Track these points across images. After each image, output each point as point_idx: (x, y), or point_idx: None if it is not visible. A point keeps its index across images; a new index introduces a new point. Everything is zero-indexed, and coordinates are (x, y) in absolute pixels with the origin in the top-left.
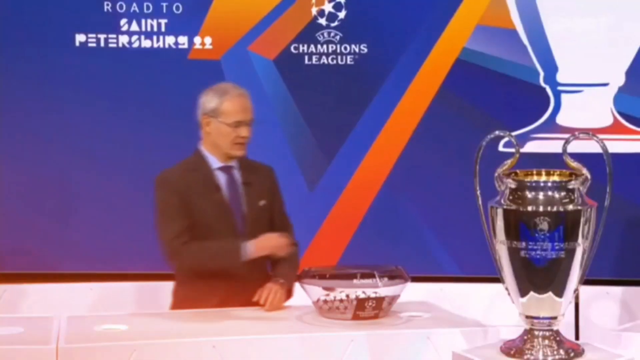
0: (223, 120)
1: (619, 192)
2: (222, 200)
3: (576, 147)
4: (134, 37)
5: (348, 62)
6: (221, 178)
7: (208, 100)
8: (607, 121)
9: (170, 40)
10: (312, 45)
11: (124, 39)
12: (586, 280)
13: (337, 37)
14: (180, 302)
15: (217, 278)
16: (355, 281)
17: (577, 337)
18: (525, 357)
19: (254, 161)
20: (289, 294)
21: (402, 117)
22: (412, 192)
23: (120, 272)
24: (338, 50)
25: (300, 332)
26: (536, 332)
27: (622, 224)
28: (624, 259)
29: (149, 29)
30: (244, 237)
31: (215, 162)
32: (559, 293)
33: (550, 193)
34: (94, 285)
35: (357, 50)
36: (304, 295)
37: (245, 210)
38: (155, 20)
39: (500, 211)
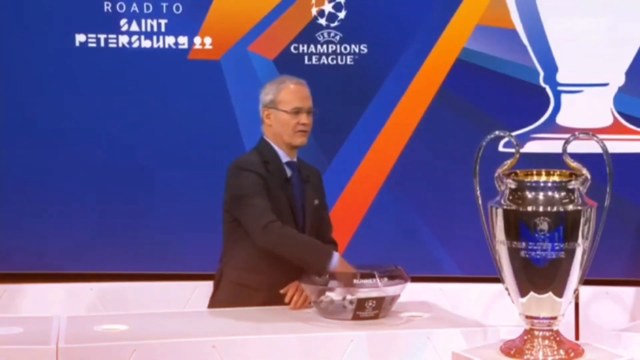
0: (282, 109)
1: (618, 192)
2: (292, 195)
3: (576, 147)
4: (134, 37)
5: (348, 62)
6: (290, 172)
7: (266, 93)
8: (607, 121)
9: (170, 40)
10: (312, 46)
11: (124, 39)
12: (586, 280)
13: (337, 37)
14: (234, 289)
15: (260, 286)
16: (355, 281)
17: (577, 337)
18: (525, 357)
19: (305, 162)
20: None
21: (402, 117)
22: (412, 192)
23: (120, 272)
24: (338, 51)
25: (300, 332)
26: (536, 332)
27: (622, 224)
28: (624, 259)
29: (149, 29)
30: (303, 231)
31: (283, 156)
32: (559, 293)
33: (550, 193)
34: (94, 285)
35: (357, 50)
36: None
37: (305, 207)
38: (155, 21)
39: (500, 211)
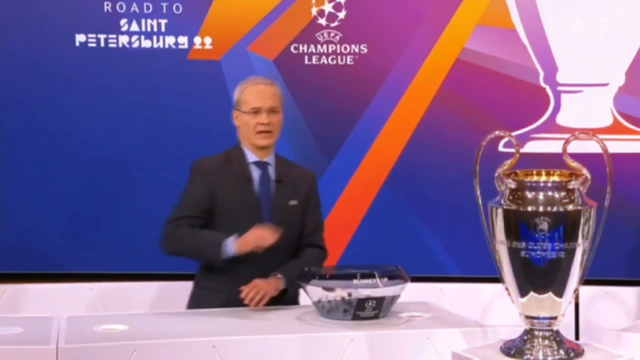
0: (243, 110)
1: (619, 192)
2: (251, 194)
3: (576, 147)
4: (134, 37)
5: (348, 62)
6: (255, 172)
7: (234, 95)
8: (607, 121)
9: (170, 40)
10: (312, 46)
11: (124, 39)
12: (586, 280)
13: (337, 37)
14: (199, 293)
15: (219, 287)
16: (355, 281)
17: (577, 337)
18: (525, 357)
19: (295, 163)
20: (283, 291)
21: (402, 117)
22: (412, 192)
23: (120, 272)
24: (338, 51)
25: (300, 332)
26: (536, 332)
27: (622, 224)
28: (624, 259)
29: (149, 29)
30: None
31: (251, 156)
32: (559, 293)
33: (550, 193)
34: (94, 285)
35: (357, 50)
36: (304, 295)
37: (273, 206)
38: (155, 21)
39: (500, 211)
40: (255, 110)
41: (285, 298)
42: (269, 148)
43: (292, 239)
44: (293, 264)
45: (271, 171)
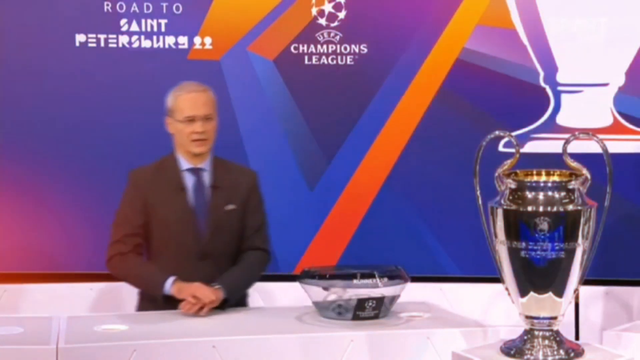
0: (177, 118)
1: (619, 192)
2: (185, 202)
3: (576, 147)
4: (134, 37)
5: (348, 62)
6: (189, 180)
7: (167, 102)
8: (607, 121)
9: (170, 40)
10: (312, 46)
11: (124, 39)
12: (586, 280)
13: (337, 37)
14: (143, 305)
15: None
16: (355, 281)
17: (577, 337)
18: (525, 357)
19: (236, 165)
20: (226, 301)
21: (402, 117)
22: (412, 192)
23: None
24: (338, 51)
25: (300, 332)
26: (536, 332)
27: (622, 224)
28: (624, 259)
29: (149, 29)
30: (204, 238)
31: (185, 163)
32: (559, 293)
33: (550, 193)
34: (93, 285)
35: (357, 50)
36: (304, 295)
37: (209, 213)
38: (155, 21)
39: (500, 211)
40: (190, 119)
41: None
42: (204, 155)
43: (232, 244)
44: (232, 272)
45: (206, 177)
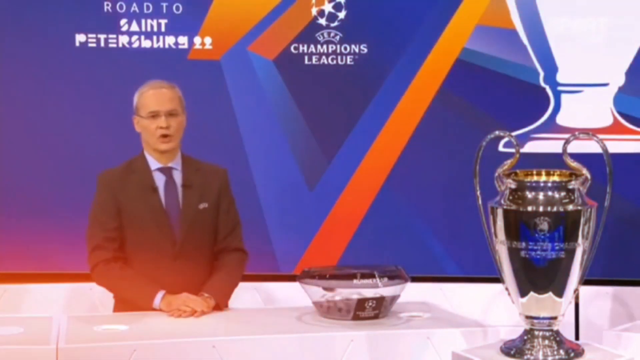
0: (142, 114)
1: (619, 192)
2: (157, 203)
3: (576, 147)
4: (134, 37)
5: (348, 62)
6: (159, 180)
7: (133, 100)
8: (607, 121)
9: (170, 40)
10: (312, 46)
11: (124, 39)
12: (586, 280)
13: (337, 37)
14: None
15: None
16: (355, 281)
17: (577, 337)
18: (525, 357)
19: (205, 163)
20: (217, 307)
21: (402, 117)
22: (412, 192)
23: None
24: (338, 51)
25: (300, 332)
26: (536, 332)
27: (622, 223)
28: (624, 259)
29: (149, 29)
30: (178, 239)
31: (154, 163)
32: (559, 293)
33: (550, 193)
34: (94, 285)
35: (357, 50)
36: (304, 295)
37: (182, 213)
38: (155, 21)
39: (500, 211)
40: (154, 114)
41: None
42: (173, 152)
43: (206, 243)
44: (218, 278)
45: (177, 176)
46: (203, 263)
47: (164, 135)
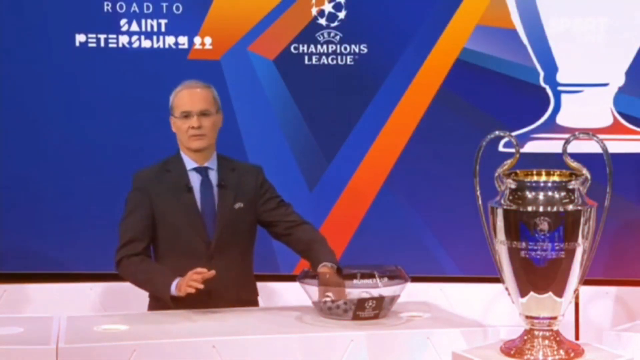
0: (176, 115)
1: (619, 192)
2: (192, 202)
3: (576, 147)
4: (134, 37)
5: (348, 62)
6: (195, 179)
7: (170, 100)
8: (607, 121)
9: (170, 40)
10: (312, 46)
11: (124, 39)
12: (586, 280)
13: (337, 37)
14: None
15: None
16: (355, 281)
17: (577, 337)
18: (525, 357)
19: (240, 162)
20: (339, 271)
21: (402, 117)
22: (412, 192)
23: None
24: (338, 51)
25: (300, 332)
26: (536, 333)
27: (622, 224)
28: (624, 259)
29: (149, 29)
30: (213, 240)
31: (190, 163)
32: (559, 293)
33: (550, 193)
34: (94, 285)
35: (357, 50)
36: (304, 295)
37: (217, 213)
38: (155, 20)
39: (500, 211)
40: (186, 115)
41: (243, 300)
42: (208, 152)
43: (241, 244)
44: (320, 249)
45: (213, 176)
46: (237, 262)
47: (196, 135)
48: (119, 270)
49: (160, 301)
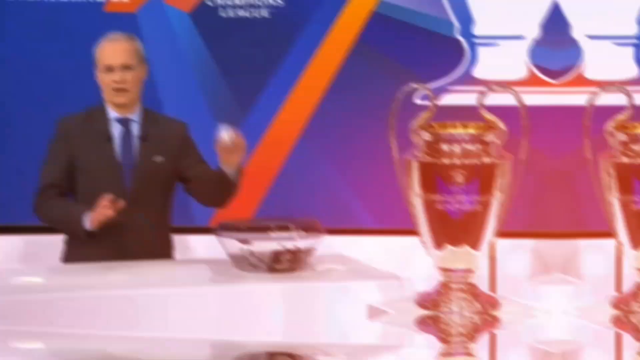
0: (99, 68)
1: (534, 144)
2: (111, 152)
3: (492, 100)
4: None
5: (264, 14)
6: (116, 130)
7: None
8: (522, 73)
9: None
10: None
11: None
12: (503, 233)
13: None
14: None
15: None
16: (271, 234)
17: (493, 290)
18: (441, 309)
19: (165, 117)
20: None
21: (318, 70)
22: (327, 145)
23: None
24: (253, 3)
25: (216, 285)
26: (452, 285)
27: (537, 176)
28: (540, 212)
29: None
30: (130, 191)
31: (113, 113)
32: (475, 245)
33: (466, 145)
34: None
35: (272, 3)
36: (219, 248)
37: (136, 165)
38: None
39: (416, 164)
40: (108, 68)
41: (159, 253)
42: (131, 104)
43: (159, 197)
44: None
45: (135, 128)
46: (154, 215)
47: (118, 90)
48: (36, 211)
49: (74, 247)
